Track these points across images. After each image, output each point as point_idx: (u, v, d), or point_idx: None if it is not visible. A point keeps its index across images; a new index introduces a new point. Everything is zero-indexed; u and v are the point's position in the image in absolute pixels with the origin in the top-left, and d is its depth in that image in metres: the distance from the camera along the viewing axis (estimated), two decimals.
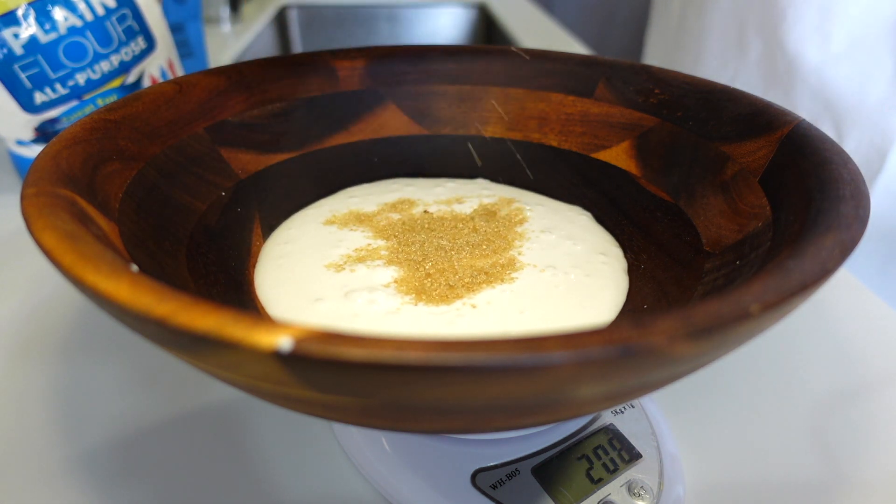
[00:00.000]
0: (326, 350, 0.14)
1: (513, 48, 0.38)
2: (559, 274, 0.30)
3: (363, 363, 0.14)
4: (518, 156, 0.38)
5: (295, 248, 0.32)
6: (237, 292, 0.28)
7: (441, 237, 0.32)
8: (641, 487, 0.26)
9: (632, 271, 0.31)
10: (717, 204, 0.29)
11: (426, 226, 0.33)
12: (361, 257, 0.31)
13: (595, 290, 0.29)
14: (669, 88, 0.33)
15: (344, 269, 0.30)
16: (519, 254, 0.31)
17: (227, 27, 1.01)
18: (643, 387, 0.18)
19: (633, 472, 0.27)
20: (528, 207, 0.35)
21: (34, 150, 0.47)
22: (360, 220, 0.34)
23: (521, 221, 0.34)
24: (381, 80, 0.38)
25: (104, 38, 0.44)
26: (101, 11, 0.44)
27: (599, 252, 0.31)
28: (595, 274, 0.30)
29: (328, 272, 0.30)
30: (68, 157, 0.23)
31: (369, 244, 0.32)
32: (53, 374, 0.33)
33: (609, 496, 0.26)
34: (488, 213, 0.35)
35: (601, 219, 0.35)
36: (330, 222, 0.34)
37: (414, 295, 0.28)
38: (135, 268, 0.17)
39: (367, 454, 0.28)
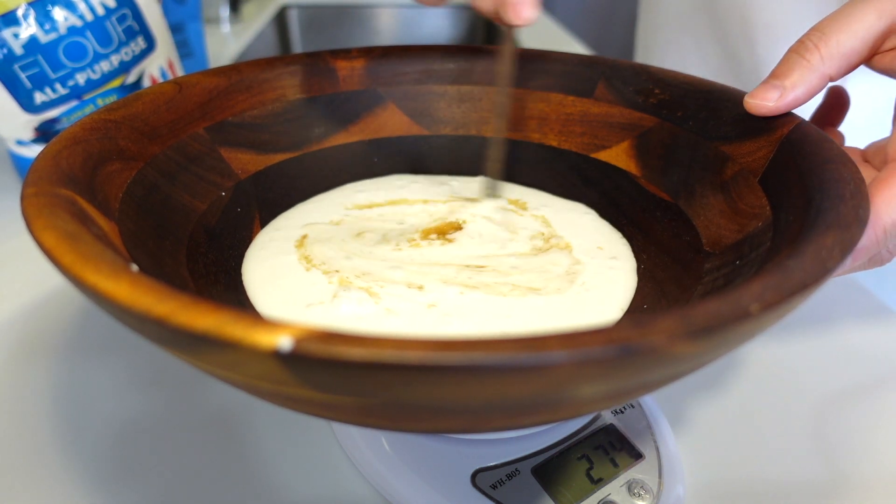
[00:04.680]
0: (326, 350, 0.14)
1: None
2: (567, 272, 0.30)
3: (363, 363, 0.14)
4: (518, 156, 0.38)
5: (286, 237, 0.32)
6: (237, 292, 0.28)
7: (447, 236, 0.32)
8: (641, 487, 0.26)
9: None
10: (717, 204, 0.29)
11: (432, 224, 0.33)
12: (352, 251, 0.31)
13: (605, 290, 0.29)
14: (669, 88, 0.33)
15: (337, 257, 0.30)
16: (522, 252, 0.31)
17: (227, 27, 1.01)
18: (643, 387, 0.18)
19: (633, 472, 0.27)
20: (532, 205, 0.35)
21: (34, 150, 0.47)
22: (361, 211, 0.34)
23: (529, 219, 0.34)
24: (381, 80, 0.38)
25: (104, 38, 0.44)
26: (101, 11, 0.44)
27: (609, 253, 0.31)
28: (604, 273, 0.30)
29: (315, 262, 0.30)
30: (68, 157, 0.23)
31: (368, 237, 0.32)
32: (53, 374, 0.33)
33: (609, 496, 0.26)
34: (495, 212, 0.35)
35: (602, 218, 0.35)
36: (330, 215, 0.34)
37: (421, 288, 0.28)
38: (135, 268, 0.17)
39: (367, 454, 0.28)
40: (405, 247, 0.31)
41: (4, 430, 0.30)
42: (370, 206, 0.35)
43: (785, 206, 0.25)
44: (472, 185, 0.38)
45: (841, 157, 0.24)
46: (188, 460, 0.29)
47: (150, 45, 0.48)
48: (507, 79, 0.33)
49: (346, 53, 0.37)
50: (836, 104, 0.34)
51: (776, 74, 0.28)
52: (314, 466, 0.29)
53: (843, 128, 0.34)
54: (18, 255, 0.43)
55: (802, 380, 0.35)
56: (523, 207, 0.35)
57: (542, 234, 0.33)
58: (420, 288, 0.28)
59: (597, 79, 0.36)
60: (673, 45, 0.63)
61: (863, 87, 0.38)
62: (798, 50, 0.28)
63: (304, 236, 0.32)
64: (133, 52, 0.47)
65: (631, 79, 0.35)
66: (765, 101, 0.28)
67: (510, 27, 0.31)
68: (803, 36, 0.28)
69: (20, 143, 0.46)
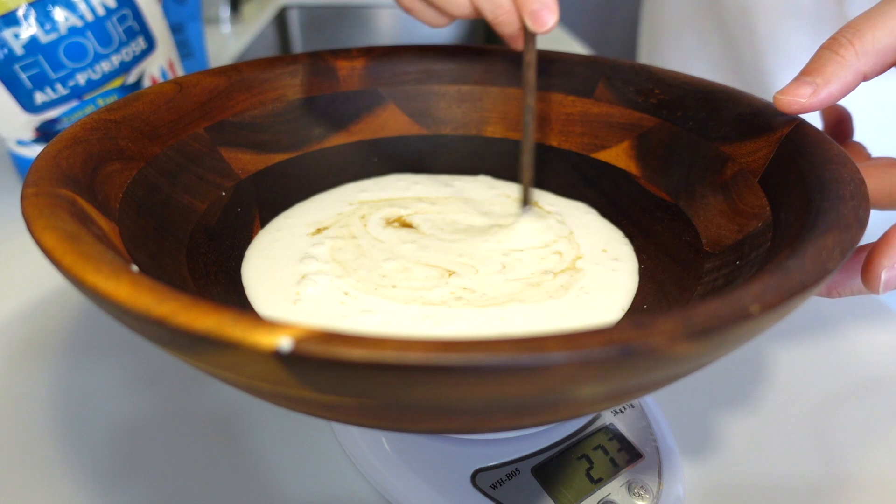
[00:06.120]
0: (326, 350, 0.14)
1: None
2: (569, 272, 0.30)
3: (363, 363, 0.14)
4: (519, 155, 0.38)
5: (286, 235, 0.32)
6: (237, 292, 0.28)
7: (448, 233, 0.32)
8: (641, 487, 0.26)
9: None
10: (717, 204, 0.29)
11: (436, 223, 0.34)
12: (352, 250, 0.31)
13: (605, 291, 0.29)
14: (669, 88, 0.33)
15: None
16: (525, 250, 0.31)
17: (227, 27, 1.01)
18: (643, 387, 0.18)
19: (633, 472, 0.27)
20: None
21: (34, 150, 0.47)
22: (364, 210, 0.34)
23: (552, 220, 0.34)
24: (381, 80, 0.38)
25: (104, 39, 0.44)
26: (101, 11, 0.44)
27: (612, 255, 0.31)
28: (606, 276, 0.30)
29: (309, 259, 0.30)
30: (68, 157, 0.23)
31: (370, 234, 0.32)
32: (54, 374, 0.33)
33: (609, 496, 0.26)
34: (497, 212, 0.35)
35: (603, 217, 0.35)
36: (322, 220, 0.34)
37: (425, 289, 0.28)
38: (135, 268, 0.17)
39: (367, 454, 0.28)
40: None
41: (4, 430, 0.30)
42: (378, 201, 0.35)
43: (785, 206, 0.25)
44: (474, 184, 0.38)
45: (841, 158, 0.24)
46: (188, 460, 0.29)
47: (151, 46, 0.48)
48: (531, 88, 0.33)
49: (346, 53, 0.37)
50: (838, 120, 0.33)
51: (808, 71, 0.27)
52: (314, 466, 0.29)
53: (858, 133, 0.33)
54: (18, 255, 0.43)
55: (802, 379, 0.35)
56: None
57: (561, 244, 0.33)
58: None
59: (597, 79, 0.36)
60: (676, 42, 0.63)
61: (868, 88, 0.37)
62: (831, 46, 0.26)
63: (319, 229, 0.33)
64: (133, 52, 0.47)
65: (631, 79, 0.35)
66: (797, 98, 0.26)
67: (533, 35, 0.31)
68: (836, 33, 0.27)
69: (20, 143, 0.46)
